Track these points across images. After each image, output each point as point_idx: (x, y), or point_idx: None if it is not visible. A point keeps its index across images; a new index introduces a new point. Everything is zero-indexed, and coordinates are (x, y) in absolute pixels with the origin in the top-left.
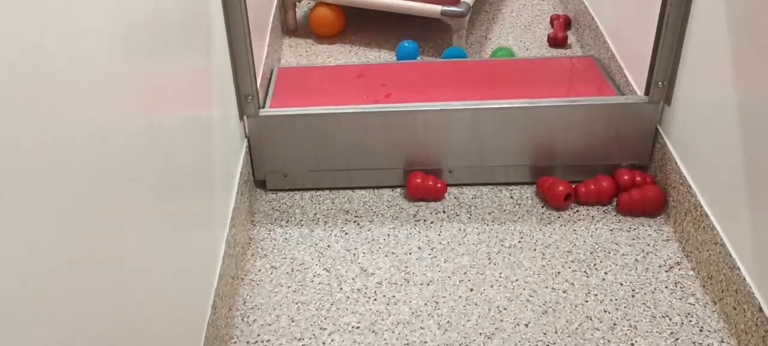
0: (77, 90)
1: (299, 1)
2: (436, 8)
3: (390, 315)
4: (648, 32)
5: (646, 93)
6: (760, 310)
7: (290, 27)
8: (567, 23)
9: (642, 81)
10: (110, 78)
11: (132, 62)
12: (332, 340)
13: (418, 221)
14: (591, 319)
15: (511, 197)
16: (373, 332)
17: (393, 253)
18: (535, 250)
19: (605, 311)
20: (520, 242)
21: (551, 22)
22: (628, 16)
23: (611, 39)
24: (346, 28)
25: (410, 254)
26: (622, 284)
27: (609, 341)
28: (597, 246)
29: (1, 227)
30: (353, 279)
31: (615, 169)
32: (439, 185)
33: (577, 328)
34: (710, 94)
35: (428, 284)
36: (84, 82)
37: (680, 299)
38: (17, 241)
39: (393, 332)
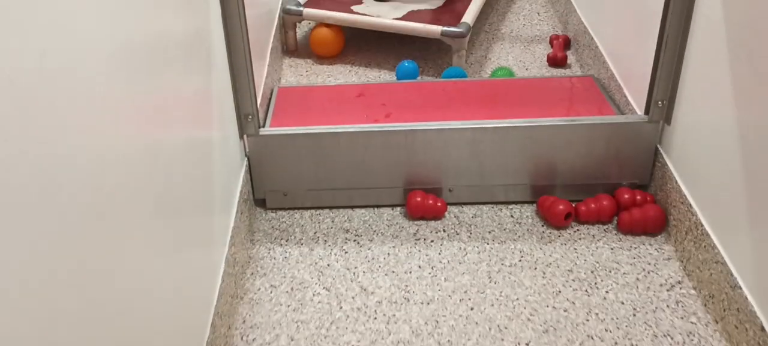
0: (77, 109)
1: (299, 22)
2: (437, 29)
3: (390, 334)
4: (647, 52)
5: (646, 112)
6: (762, 329)
7: (290, 47)
8: (566, 43)
9: (642, 100)
10: (110, 97)
11: (132, 81)
12: None
13: (418, 239)
14: (592, 338)
15: (512, 216)
16: None
17: (393, 272)
18: (535, 269)
19: (606, 330)
20: (520, 260)
21: (551, 42)
22: (628, 35)
23: (610, 59)
24: (346, 48)
25: (410, 272)
26: (623, 303)
27: None
28: (598, 265)
29: (1, 244)
30: (353, 298)
31: (615, 189)
32: (439, 204)
33: None
34: (710, 114)
35: (428, 303)
36: (84, 101)
37: (681, 318)
38: (16, 258)
39: None
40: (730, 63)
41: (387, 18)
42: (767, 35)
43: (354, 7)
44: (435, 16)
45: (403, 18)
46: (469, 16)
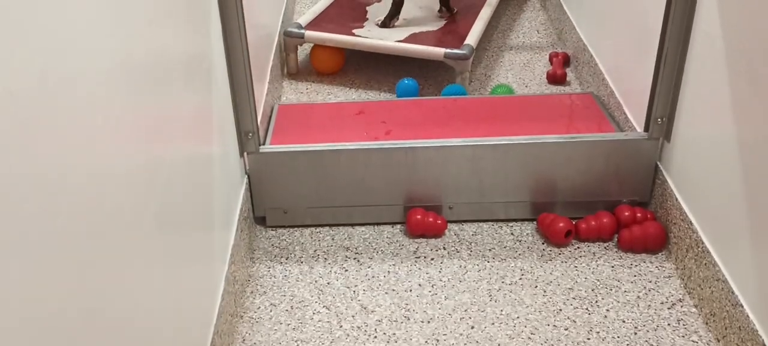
0: (78, 126)
1: (301, 45)
2: (440, 51)
3: None
4: (646, 69)
5: (646, 129)
6: None
7: (291, 70)
8: (566, 60)
9: (641, 118)
10: (111, 114)
11: (133, 100)
12: None
13: (419, 257)
14: None
15: (512, 234)
16: None
17: (393, 290)
18: (536, 287)
19: None
20: (521, 278)
21: (550, 60)
22: (627, 53)
23: (610, 76)
24: (346, 65)
25: (411, 291)
26: (624, 322)
27: None
28: (598, 283)
29: (0, 264)
30: (353, 317)
31: (615, 206)
32: (439, 222)
33: None
34: (710, 130)
35: (429, 322)
36: (84, 117)
37: (683, 336)
38: (16, 277)
39: None
40: (729, 80)
41: (389, 40)
42: (766, 51)
43: (356, 30)
44: (437, 38)
45: (406, 40)
46: (472, 38)
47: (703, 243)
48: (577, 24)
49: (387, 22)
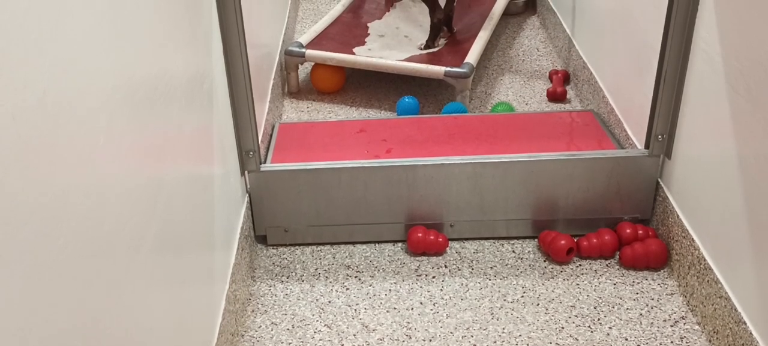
0: (78, 146)
1: (301, 63)
2: (440, 69)
3: None
4: (646, 86)
5: (646, 146)
6: None
7: (292, 89)
8: (566, 78)
9: (642, 135)
10: (112, 134)
11: (134, 120)
12: None
13: (420, 275)
14: None
15: (513, 252)
16: None
17: (395, 308)
18: (538, 305)
19: None
20: (522, 296)
21: (550, 77)
22: (627, 70)
23: (610, 93)
24: (346, 84)
25: (412, 309)
26: (626, 339)
27: None
28: (600, 300)
29: (1, 283)
30: (355, 335)
31: (617, 223)
32: (440, 240)
33: None
34: (710, 147)
35: (431, 340)
36: (85, 138)
37: None
38: (17, 296)
39: None
40: (728, 97)
41: (390, 59)
42: (765, 68)
43: (356, 49)
44: (438, 57)
45: (406, 59)
46: (472, 57)
47: (705, 260)
48: (577, 42)
49: (430, 43)
